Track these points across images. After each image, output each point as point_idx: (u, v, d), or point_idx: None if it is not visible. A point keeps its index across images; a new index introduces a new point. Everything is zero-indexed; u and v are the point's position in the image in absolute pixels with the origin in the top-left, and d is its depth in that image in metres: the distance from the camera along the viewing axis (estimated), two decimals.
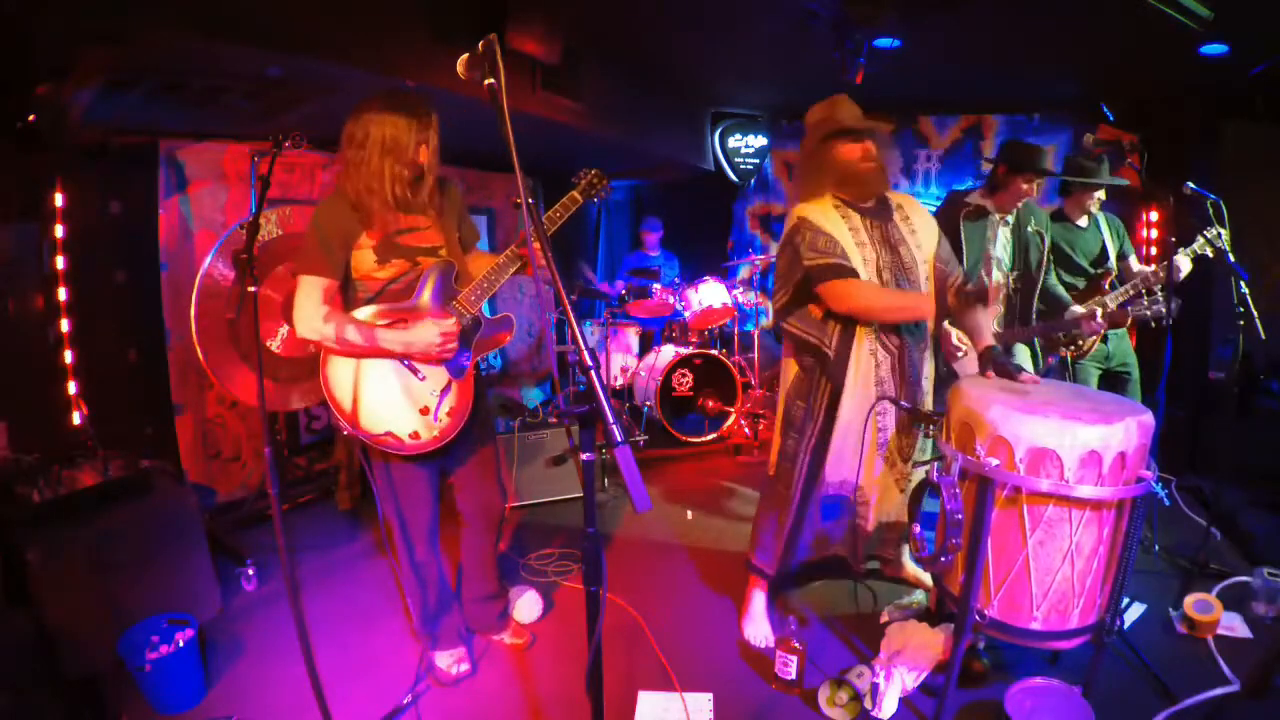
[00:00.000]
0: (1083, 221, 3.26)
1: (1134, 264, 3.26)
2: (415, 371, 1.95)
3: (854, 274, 2.14)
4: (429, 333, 1.89)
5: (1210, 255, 2.98)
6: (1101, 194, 3.25)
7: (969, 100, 5.11)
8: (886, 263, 2.21)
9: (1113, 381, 3.28)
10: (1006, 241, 2.93)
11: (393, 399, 1.92)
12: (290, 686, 2.12)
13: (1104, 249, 3.23)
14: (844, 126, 2.19)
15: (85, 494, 2.31)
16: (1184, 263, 3.00)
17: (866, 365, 2.24)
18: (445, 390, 1.98)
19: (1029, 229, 2.96)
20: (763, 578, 2.47)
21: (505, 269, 2.01)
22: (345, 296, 1.94)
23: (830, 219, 2.19)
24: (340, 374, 1.90)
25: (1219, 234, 2.91)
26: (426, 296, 1.95)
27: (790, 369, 2.39)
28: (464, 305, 2.00)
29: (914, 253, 2.27)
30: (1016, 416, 1.73)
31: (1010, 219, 2.93)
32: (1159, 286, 3.02)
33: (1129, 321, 3.03)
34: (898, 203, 2.33)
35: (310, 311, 1.84)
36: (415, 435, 1.93)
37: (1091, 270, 3.22)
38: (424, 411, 1.95)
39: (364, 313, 1.90)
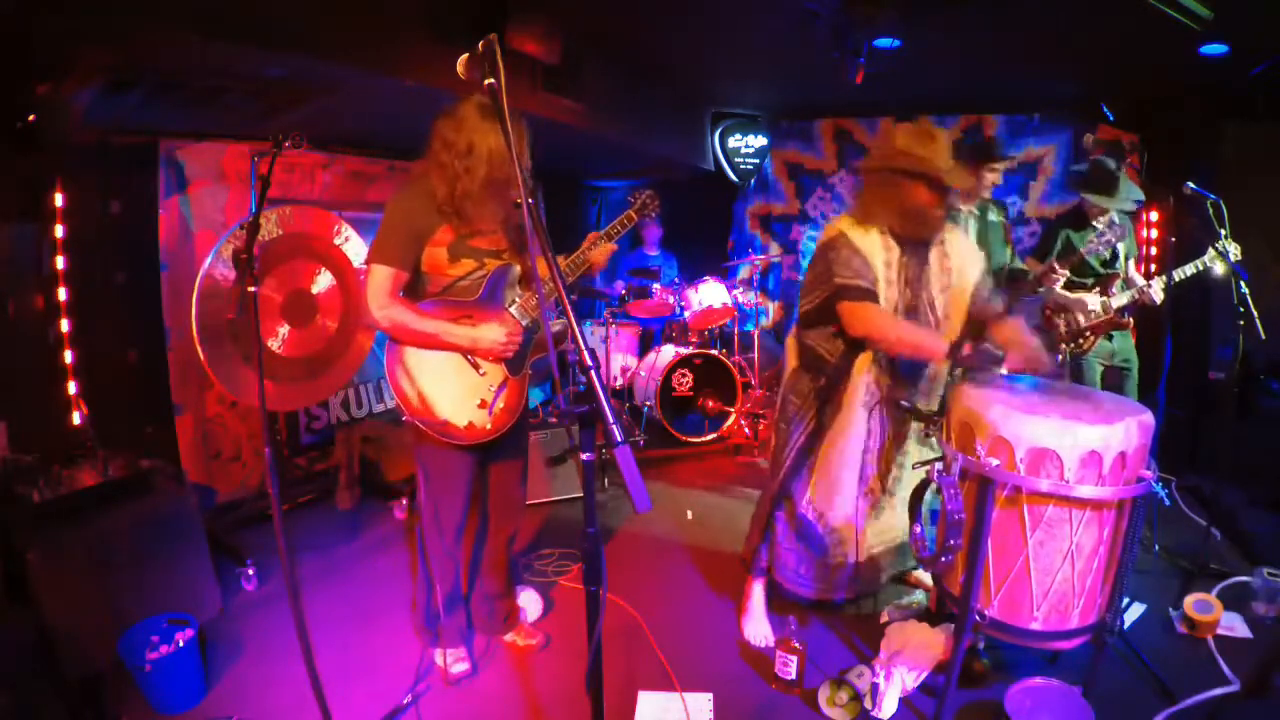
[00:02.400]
0: (1099, 224, 3.26)
1: (1132, 270, 3.28)
2: (476, 367, 2.03)
3: (875, 299, 2.13)
4: (496, 333, 1.99)
5: (1220, 271, 2.99)
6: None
7: (969, 100, 5.10)
8: (903, 306, 2.21)
9: (1113, 376, 3.32)
10: (974, 234, 2.96)
11: (454, 390, 2.01)
12: (290, 686, 2.13)
13: (1115, 251, 3.24)
14: (935, 175, 2.08)
15: (85, 494, 2.31)
16: (1157, 291, 3.04)
17: (862, 388, 2.25)
18: (502, 386, 2.07)
19: (991, 218, 3.02)
20: (744, 567, 2.50)
21: (568, 275, 2.09)
22: (414, 288, 2.00)
23: (871, 244, 2.17)
24: (407, 362, 1.98)
25: (1225, 247, 2.91)
26: (491, 296, 2.04)
27: (790, 363, 2.42)
28: (526, 307, 2.08)
29: (935, 296, 2.24)
30: (1017, 417, 1.73)
31: (977, 210, 2.98)
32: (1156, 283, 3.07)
33: (1130, 323, 3.04)
34: (942, 237, 2.28)
35: (383, 300, 1.92)
36: (470, 426, 2.02)
37: (1101, 271, 3.24)
38: (481, 405, 2.04)
39: (432, 306, 1.98)
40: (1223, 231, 2.89)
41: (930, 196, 2.11)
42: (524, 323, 2.08)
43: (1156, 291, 3.06)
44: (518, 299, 2.09)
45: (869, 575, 2.49)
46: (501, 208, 1.99)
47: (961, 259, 2.30)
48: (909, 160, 2.09)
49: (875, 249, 2.17)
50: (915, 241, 2.22)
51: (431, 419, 1.98)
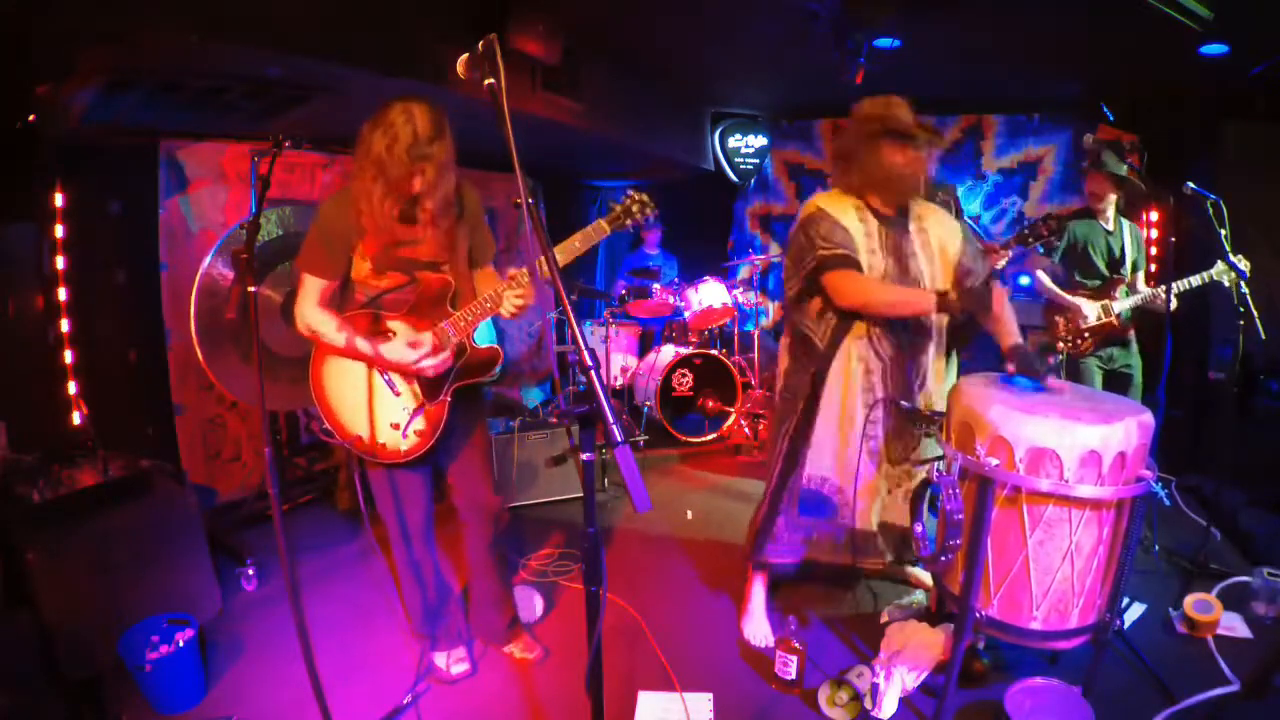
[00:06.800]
0: (1109, 224, 3.24)
1: (1140, 281, 3.26)
2: (391, 386, 1.97)
3: (859, 267, 2.14)
4: (404, 351, 1.89)
5: (1227, 283, 2.96)
6: (1114, 196, 3.23)
7: (969, 100, 5.10)
8: (892, 273, 2.20)
9: (1115, 381, 3.29)
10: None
11: (369, 411, 1.97)
12: (290, 686, 2.12)
13: (1123, 254, 3.22)
14: (898, 128, 2.14)
15: (85, 494, 2.30)
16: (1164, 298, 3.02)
17: (855, 367, 2.23)
18: (417, 410, 1.99)
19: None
20: (747, 562, 2.49)
21: (497, 300, 1.95)
22: (344, 297, 1.95)
23: (848, 217, 2.20)
24: (327, 372, 1.96)
25: (1233, 264, 2.89)
26: (419, 311, 1.95)
27: (782, 363, 2.42)
28: (454, 327, 1.96)
29: (923, 266, 2.25)
30: (1017, 416, 1.73)
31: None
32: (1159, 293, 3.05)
33: (1130, 330, 3.03)
34: (918, 212, 2.32)
35: (306, 308, 1.89)
36: (384, 446, 1.98)
37: (1106, 274, 3.22)
38: (394, 426, 1.98)
39: (358, 317, 1.92)
40: (1221, 229, 2.88)
41: (902, 155, 2.16)
42: (454, 341, 1.97)
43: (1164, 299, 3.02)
44: (450, 316, 1.96)
45: (863, 545, 2.38)
46: (407, 218, 1.83)
47: (940, 235, 2.32)
48: (876, 121, 2.16)
49: (853, 222, 2.20)
50: (889, 210, 2.24)
51: (346, 434, 1.96)
